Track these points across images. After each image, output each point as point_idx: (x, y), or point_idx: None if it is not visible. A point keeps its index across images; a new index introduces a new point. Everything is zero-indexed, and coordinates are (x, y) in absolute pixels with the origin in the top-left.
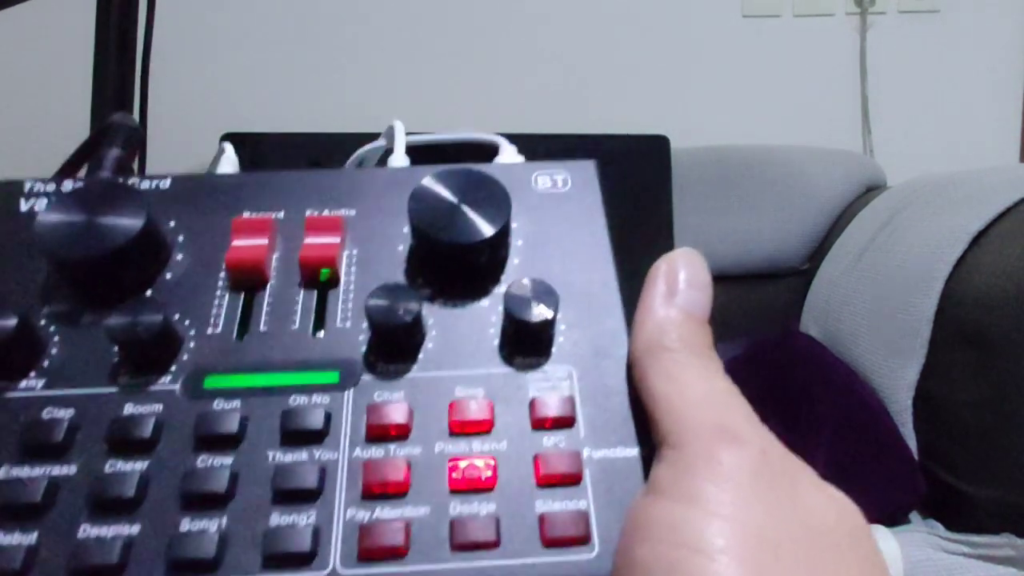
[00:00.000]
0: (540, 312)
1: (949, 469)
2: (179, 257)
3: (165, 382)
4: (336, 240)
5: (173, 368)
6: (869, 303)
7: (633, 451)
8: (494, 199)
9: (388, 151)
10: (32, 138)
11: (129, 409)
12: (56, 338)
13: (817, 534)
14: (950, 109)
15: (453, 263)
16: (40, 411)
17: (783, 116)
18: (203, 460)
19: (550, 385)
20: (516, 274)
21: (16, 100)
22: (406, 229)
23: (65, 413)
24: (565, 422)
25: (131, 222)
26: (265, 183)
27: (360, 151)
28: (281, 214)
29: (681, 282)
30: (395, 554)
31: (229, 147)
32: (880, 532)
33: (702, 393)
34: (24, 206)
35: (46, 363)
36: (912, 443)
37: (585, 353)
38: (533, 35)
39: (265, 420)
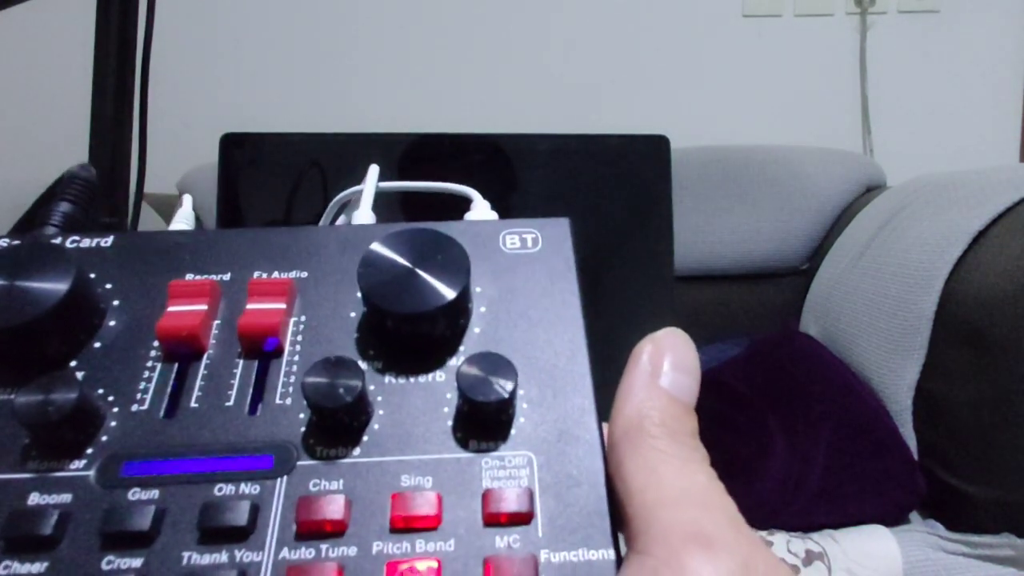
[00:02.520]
0: (495, 391)
1: (949, 469)
2: (112, 323)
3: (79, 467)
4: (281, 306)
5: (89, 451)
6: (869, 303)
7: (597, 553)
8: (451, 263)
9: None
10: (32, 138)
11: (34, 499)
12: None
13: None
14: (950, 109)
15: (406, 333)
16: None
17: (783, 116)
18: (108, 561)
19: (507, 474)
20: (476, 344)
21: (16, 100)
22: (358, 294)
23: None
24: (522, 518)
25: (54, 287)
26: (215, 242)
27: (340, 196)
28: (227, 276)
29: (666, 364)
30: None
31: (188, 200)
32: (880, 532)
33: (679, 490)
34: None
35: None
36: (912, 443)
37: (548, 436)
38: (533, 35)
39: (184, 513)
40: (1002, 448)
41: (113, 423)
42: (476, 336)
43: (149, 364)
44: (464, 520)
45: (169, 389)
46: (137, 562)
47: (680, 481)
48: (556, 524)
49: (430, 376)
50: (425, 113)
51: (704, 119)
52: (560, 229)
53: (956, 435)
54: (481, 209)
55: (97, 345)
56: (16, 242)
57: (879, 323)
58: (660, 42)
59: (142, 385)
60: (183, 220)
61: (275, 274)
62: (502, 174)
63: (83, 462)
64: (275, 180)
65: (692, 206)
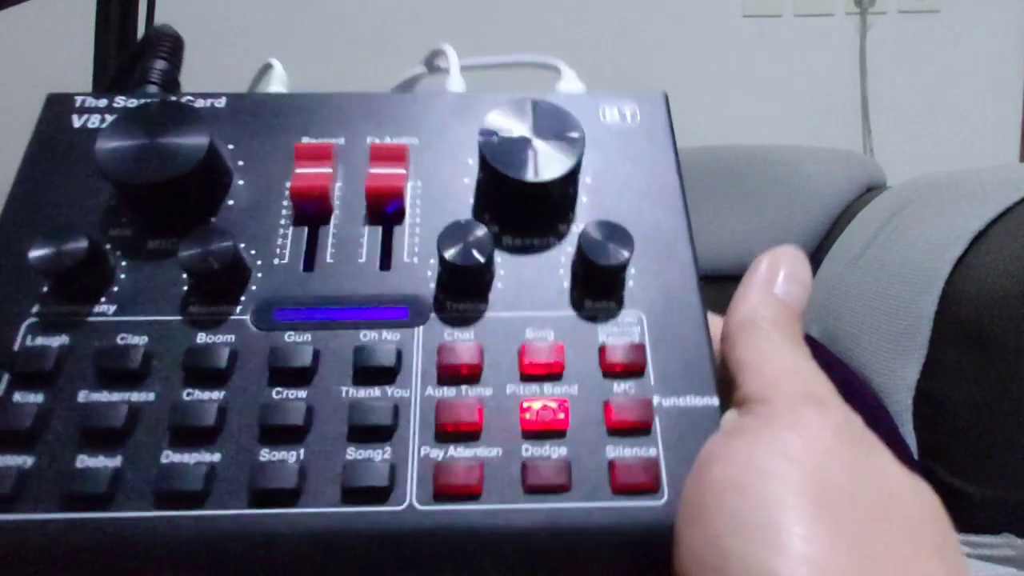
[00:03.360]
0: (616, 256)
1: (949, 469)
2: (240, 183)
3: (235, 312)
4: (402, 171)
5: (243, 299)
6: (869, 302)
7: (703, 400)
8: (568, 134)
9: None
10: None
11: (202, 339)
12: (123, 263)
13: (891, 500)
14: (950, 109)
15: (523, 200)
16: (115, 337)
17: (783, 116)
18: (278, 393)
19: (620, 331)
20: (586, 213)
21: (16, 97)
22: (471, 160)
23: (139, 340)
24: (635, 369)
25: (196, 145)
26: (324, 105)
27: (400, 79)
28: (342, 140)
29: (781, 274)
30: (469, 493)
31: (278, 64)
32: None
33: (790, 365)
34: (77, 122)
35: (115, 289)
36: (912, 443)
37: (656, 299)
38: (533, 35)
39: (336, 355)
40: (1002, 448)
41: (259, 274)
42: (584, 205)
43: (283, 222)
44: (585, 369)
45: (305, 246)
46: (303, 393)
47: (790, 362)
48: (665, 374)
49: (545, 242)
50: None
51: (704, 119)
52: (656, 104)
53: (956, 435)
54: (570, 79)
55: (231, 203)
56: (147, 101)
57: (879, 323)
58: (660, 42)
59: (279, 241)
60: (278, 83)
61: (387, 139)
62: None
63: (239, 308)
64: None
65: (692, 206)
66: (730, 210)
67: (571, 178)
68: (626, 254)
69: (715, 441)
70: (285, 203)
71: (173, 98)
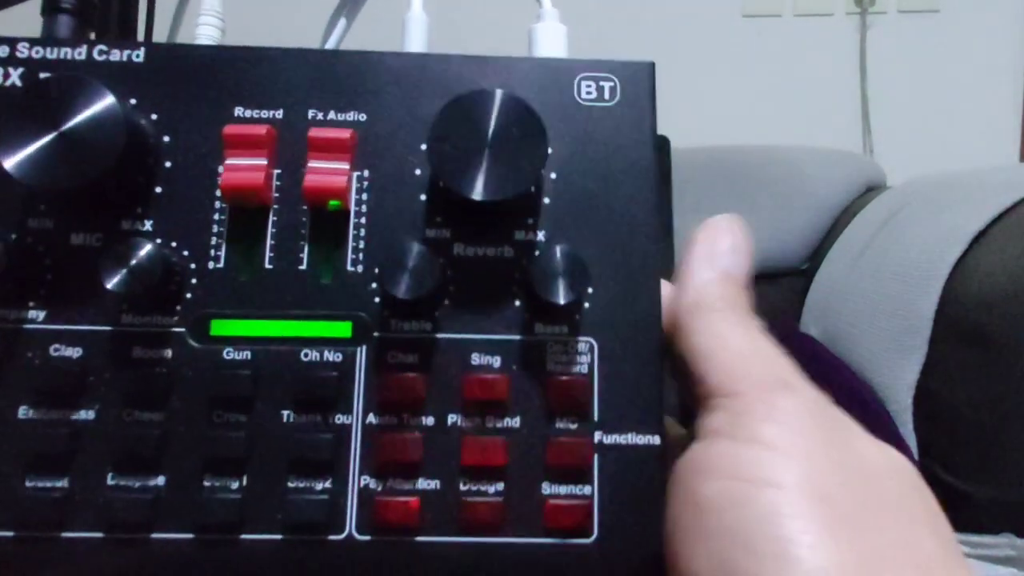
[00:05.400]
0: (567, 296)
1: (949, 469)
2: (168, 164)
3: (171, 323)
4: (344, 166)
5: (178, 308)
6: (869, 302)
7: (645, 438)
8: (530, 143)
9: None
10: None
11: (139, 353)
12: (47, 261)
13: (874, 479)
14: (950, 109)
15: (475, 211)
16: (48, 349)
17: (783, 116)
18: (219, 416)
19: (568, 360)
20: (547, 220)
21: None
22: (424, 147)
23: (74, 352)
24: (579, 405)
25: (110, 137)
26: (261, 64)
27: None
28: (280, 113)
29: (724, 244)
30: (407, 526)
31: (214, 8)
32: None
33: (750, 348)
34: None
35: (42, 291)
36: (912, 443)
37: (612, 326)
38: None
39: (278, 375)
40: (1002, 448)
41: (194, 280)
42: (546, 208)
43: (216, 217)
44: (529, 401)
45: (242, 249)
46: (243, 418)
47: (748, 342)
48: (612, 409)
49: (499, 250)
50: None
51: (704, 119)
52: (640, 77)
53: (956, 435)
54: (549, 19)
55: (159, 190)
56: (44, 79)
57: (879, 323)
58: (660, 42)
59: (214, 241)
60: (210, 20)
61: (331, 114)
62: None
63: (175, 318)
64: None
65: (692, 206)
66: (729, 210)
67: (530, 189)
68: (577, 293)
69: (696, 450)
70: (218, 193)
71: (95, 52)
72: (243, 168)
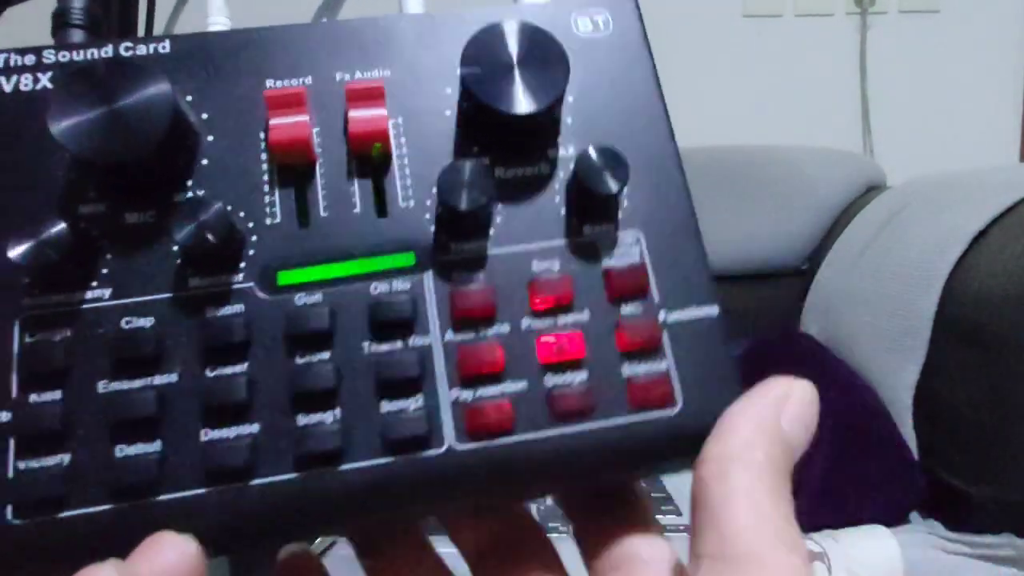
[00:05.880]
0: (614, 183)
1: (949, 469)
2: (210, 138)
3: (238, 280)
4: (382, 111)
5: (242, 265)
6: (869, 303)
7: (705, 309)
8: (552, 58)
9: None
10: None
11: (212, 312)
12: (104, 242)
13: None
14: (950, 109)
15: (511, 130)
16: (119, 323)
17: (783, 116)
18: (302, 357)
19: (621, 253)
20: (573, 135)
21: None
22: (450, 90)
23: (146, 321)
24: (639, 290)
25: (158, 110)
26: (279, 40)
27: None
28: (309, 79)
29: (792, 407)
30: (503, 427)
31: None
32: (880, 532)
33: (779, 528)
34: (6, 86)
35: (104, 271)
36: (912, 443)
37: (651, 216)
38: None
39: (351, 311)
40: (1002, 448)
41: (254, 237)
42: (570, 126)
43: (265, 178)
44: (592, 295)
45: (295, 202)
46: (326, 355)
47: (779, 525)
48: (668, 290)
49: (536, 167)
50: None
51: (704, 119)
52: (627, 8)
53: (956, 435)
54: None
55: (204, 162)
56: (92, 62)
57: (879, 323)
58: (660, 42)
59: (267, 199)
60: (219, 14)
61: (358, 74)
62: None
63: (240, 275)
64: None
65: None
66: (730, 210)
67: (558, 103)
68: (623, 179)
69: None
70: (263, 156)
71: (122, 49)
72: (288, 126)
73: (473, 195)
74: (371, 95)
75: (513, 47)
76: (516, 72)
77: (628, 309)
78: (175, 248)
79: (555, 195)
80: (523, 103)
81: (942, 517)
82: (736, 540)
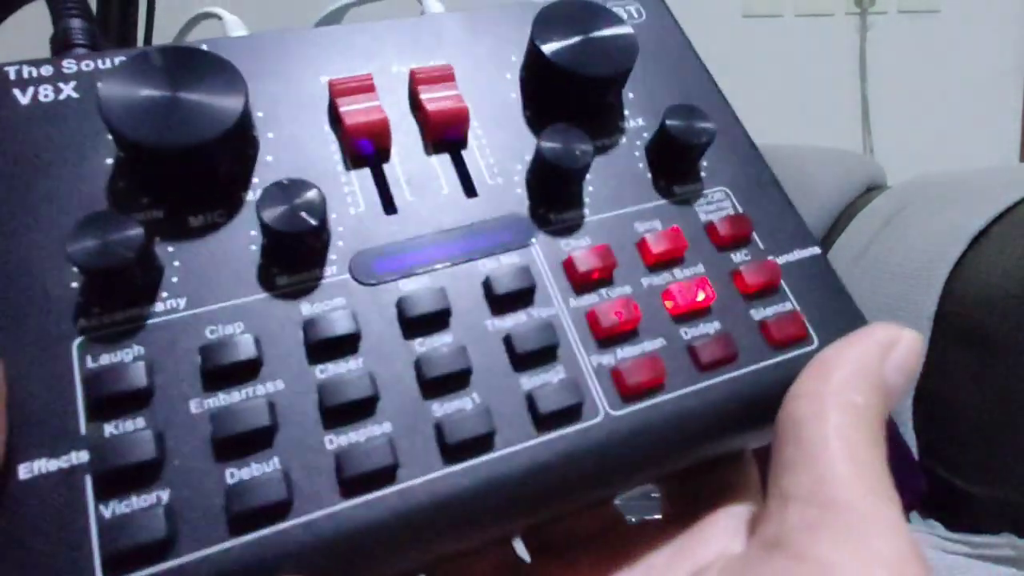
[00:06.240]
0: (705, 132)
1: (949, 469)
2: (270, 135)
3: (330, 274)
4: (455, 91)
5: (332, 257)
6: (869, 302)
7: (807, 251)
8: (617, 27)
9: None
10: None
11: (310, 309)
12: (170, 249)
13: None
14: (950, 109)
15: (583, 101)
16: (203, 332)
17: (783, 116)
18: (421, 343)
19: (716, 207)
20: (638, 107)
21: None
22: (509, 75)
23: (234, 328)
24: (744, 237)
25: (229, 100)
26: (323, 41)
27: (328, 10)
28: (365, 72)
29: (896, 355)
30: (655, 386)
31: (226, 13)
32: None
33: (877, 473)
34: (23, 98)
35: (175, 280)
36: (912, 443)
37: (731, 173)
38: None
39: (464, 291)
40: (1002, 448)
41: (340, 228)
42: (632, 100)
43: (339, 168)
44: (702, 248)
45: (377, 188)
46: (449, 337)
47: (878, 469)
48: (769, 236)
49: (613, 138)
50: None
51: None
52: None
53: (956, 435)
54: None
55: (269, 159)
56: (151, 49)
57: (879, 322)
58: None
59: (346, 188)
60: (237, 28)
61: (414, 64)
62: None
63: (332, 268)
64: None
65: None
66: None
67: (630, 69)
68: (712, 132)
69: (773, 559)
70: (333, 147)
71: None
72: (363, 111)
73: (582, 152)
74: (442, 78)
75: (583, 18)
76: (591, 39)
77: (739, 256)
78: (253, 248)
79: (637, 162)
80: (604, 65)
81: (942, 517)
82: (832, 486)
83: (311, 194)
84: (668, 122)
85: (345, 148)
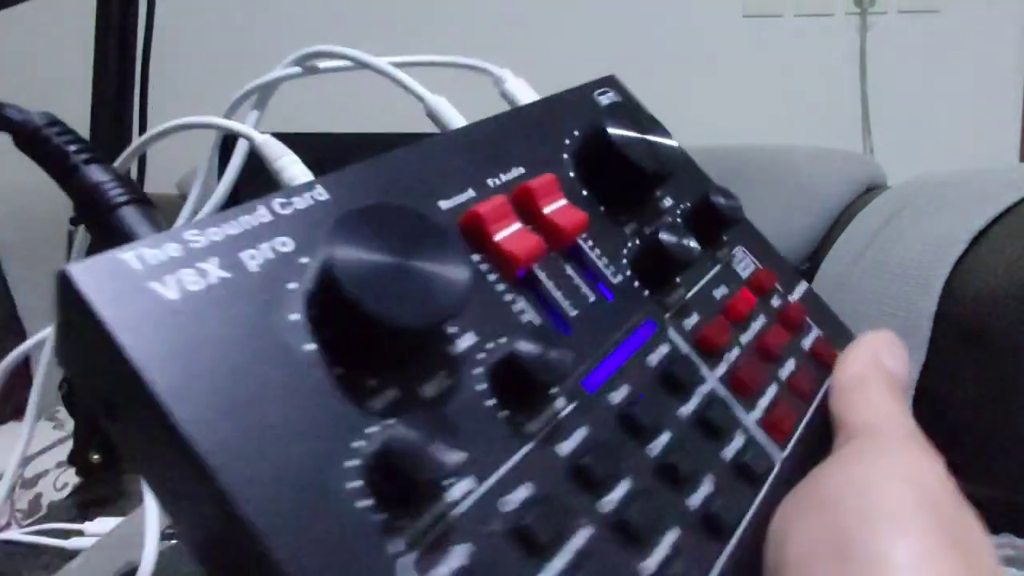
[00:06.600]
0: (737, 210)
1: (949, 469)
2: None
3: (561, 406)
4: (564, 201)
5: (555, 391)
6: (869, 302)
7: (804, 286)
8: (655, 126)
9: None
10: None
11: (566, 446)
12: (432, 430)
13: (955, 511)
14: (950, 109)
15: (639, 188)
16: (496, 507)
17: (783, 116)
18: (649, 447)
19: (743, 265)
20: (672, 188)
21: (16, 100)
22: (572, 174)
23: (525, 491)
24: (772, 287)
25: (456, 272)
26: (419, 158)
27: (267, 79)
28: (471, 191)
29: (886, 348)
30: (802, 405)
31: (274, 143)
32: None
33: (901, 413)
34: (170, 291)
35: (452, 460)
36: None
37: (739, 234)
38: (533, 34)
39: (648, 388)
40: (1003, 448)
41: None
42: (669, 183)
43: (501, 290)
44: (753, 301)
45: (548, 312)
46: (665, 438)
47: (901, 412)
48: (782, 280)
49: (661, 220)
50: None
51: (704, 119)
52: (615, 80)
53: (956, 435)
54: (522, 87)
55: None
56: (373, 206)
57: (879, 323)
58: (660, 42)
59: (524, 319)
60: (299, 171)
61: (501, 178)
62: None
63: (562, 400)
64: (276, 181)
65: None
66: None
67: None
68: (740, 207)
69: (826, 461)
70: (483, 267)
71: (277, 204)
72: (517, 236)
73: (689, 242)
74: (549, 189)
75: (630, 123)
76: (649, 140)
77: (777, 302)
78: (488, 403)
79: (684, 232)
80: (660, 162)
81: None
82: (869, 417)
83: (558, 355)
84: (712, 204)
85: (505, 278)
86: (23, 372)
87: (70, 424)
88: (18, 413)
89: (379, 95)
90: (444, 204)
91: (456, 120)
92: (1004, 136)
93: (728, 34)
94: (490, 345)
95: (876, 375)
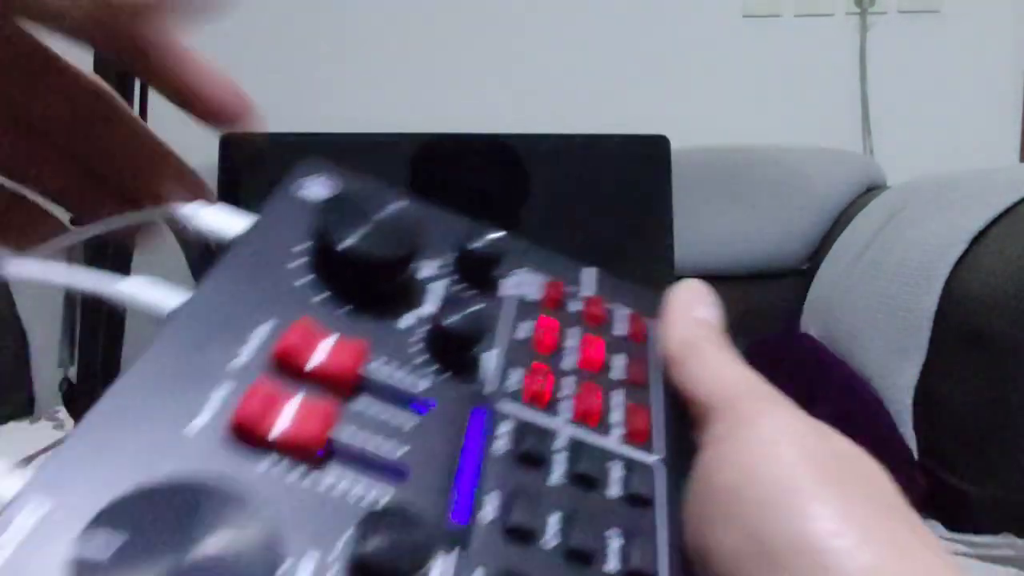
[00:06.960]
0: (493, 245)
1: (949, 469)
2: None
3: (445, 567)
4: (333, 336)
5: (431, 559)
6: (869, 303)
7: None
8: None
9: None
10: None
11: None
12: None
13: (850, 460)
14: (950, 109)
15: (388, 277)
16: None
17: (783, 116)
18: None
19: (533, 280)
20: (426, 252)
21: None
22: (318, 298)
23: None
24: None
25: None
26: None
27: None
28: (225, 390)
29: (697, 301)
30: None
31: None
32: None
33: (740, 373)
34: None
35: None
36: (912, 443)
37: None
38: (533, 34)
39: (506, 479)
40: (1002, 448)
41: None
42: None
43: (309, 484)
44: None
45: (363, 471)
46: (554, 526)
47: (739, 370)
48: (567, 269)
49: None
50: (428, 113)
51: (704, 119)
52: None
53: (956, 435)
54: (210, 213)
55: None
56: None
57: (879, 323)
58: (660, 42)
59: (339, 491)
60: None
61: (251, 346)
62: (503, 174)
63: (441, 560)
64: (277, 182)
65: (692, 206)
66: (729, 211)
67: None
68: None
69: (704, 455)
70: (292, 476)
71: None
72: (298, 416)
73: (467, 305)
74: (309, 335)
75: (349, 206)
76: (378, 215)
77: (574, 306)
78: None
79: (460, 300)
80: (401, 240)
81: (942, 517)
82: (720, 390)
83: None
84: (470, 248)
85: (301, 460)
86: (23, 372)
87: (70, 424)
88: (18, 413)
89: (380, 95)
90: (195, 424)
91: (162, 299)
92: (1004, 136)
93: (728, 34)
94: (330, 558)
95: (701, 335)
